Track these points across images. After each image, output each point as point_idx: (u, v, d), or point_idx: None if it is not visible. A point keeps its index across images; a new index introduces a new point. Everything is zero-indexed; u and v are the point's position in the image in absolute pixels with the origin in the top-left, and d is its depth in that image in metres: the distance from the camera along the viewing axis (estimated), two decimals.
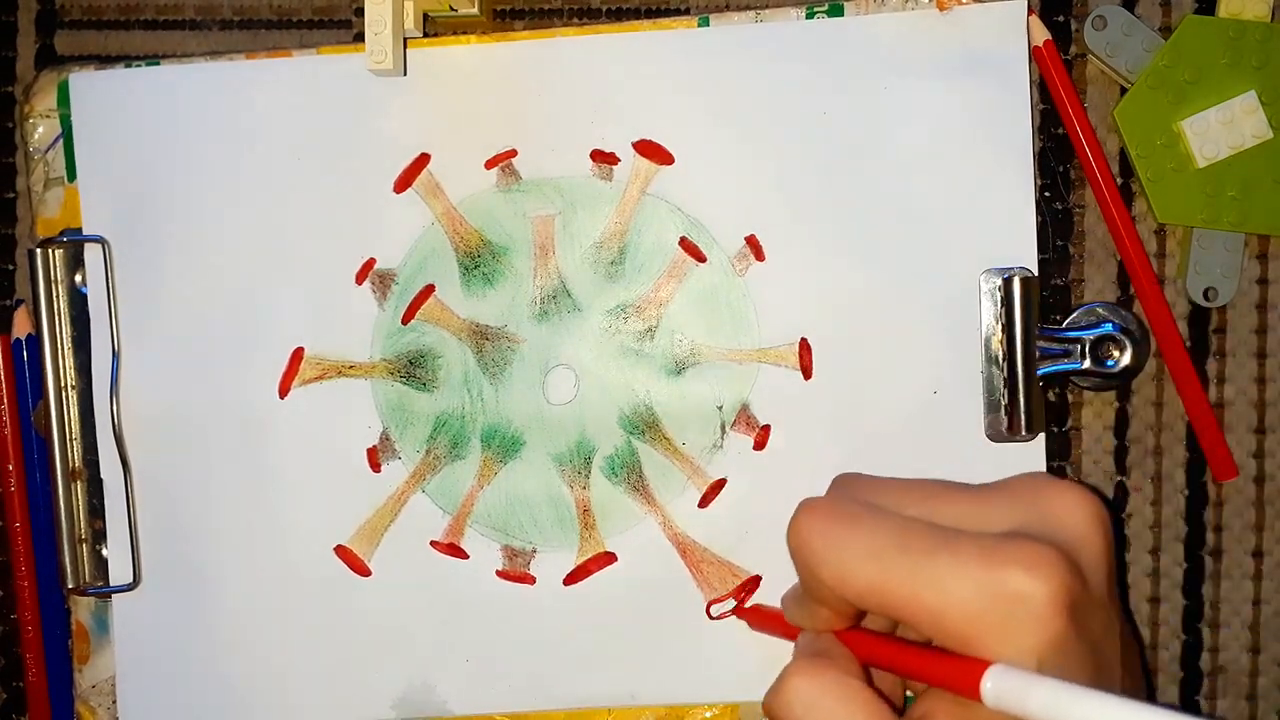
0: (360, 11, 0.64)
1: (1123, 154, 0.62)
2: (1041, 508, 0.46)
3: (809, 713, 0.46)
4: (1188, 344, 0.63)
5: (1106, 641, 0.45)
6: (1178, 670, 0.63)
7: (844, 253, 0.61)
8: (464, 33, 0.64)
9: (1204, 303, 0.62)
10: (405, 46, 0.62)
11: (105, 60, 0.64)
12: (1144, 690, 0.49)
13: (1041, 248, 0.61)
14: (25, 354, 0.65)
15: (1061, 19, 0.63)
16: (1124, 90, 0.62)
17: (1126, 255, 0.62)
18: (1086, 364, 0.61)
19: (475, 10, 0.62)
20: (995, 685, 0.42)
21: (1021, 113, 0.61)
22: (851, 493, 0.48)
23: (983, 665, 0.42)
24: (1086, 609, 0.44)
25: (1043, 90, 0.62)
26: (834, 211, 0.61)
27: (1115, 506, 0.63)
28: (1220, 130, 0.60)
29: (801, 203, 0.62)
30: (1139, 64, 0.61)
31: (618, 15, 0.65)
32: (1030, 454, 0.61)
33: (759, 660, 0.62)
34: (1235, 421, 0.63)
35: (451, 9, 0.62)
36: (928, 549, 0.44)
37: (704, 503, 0.63)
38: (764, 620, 0.58)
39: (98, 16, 0.66)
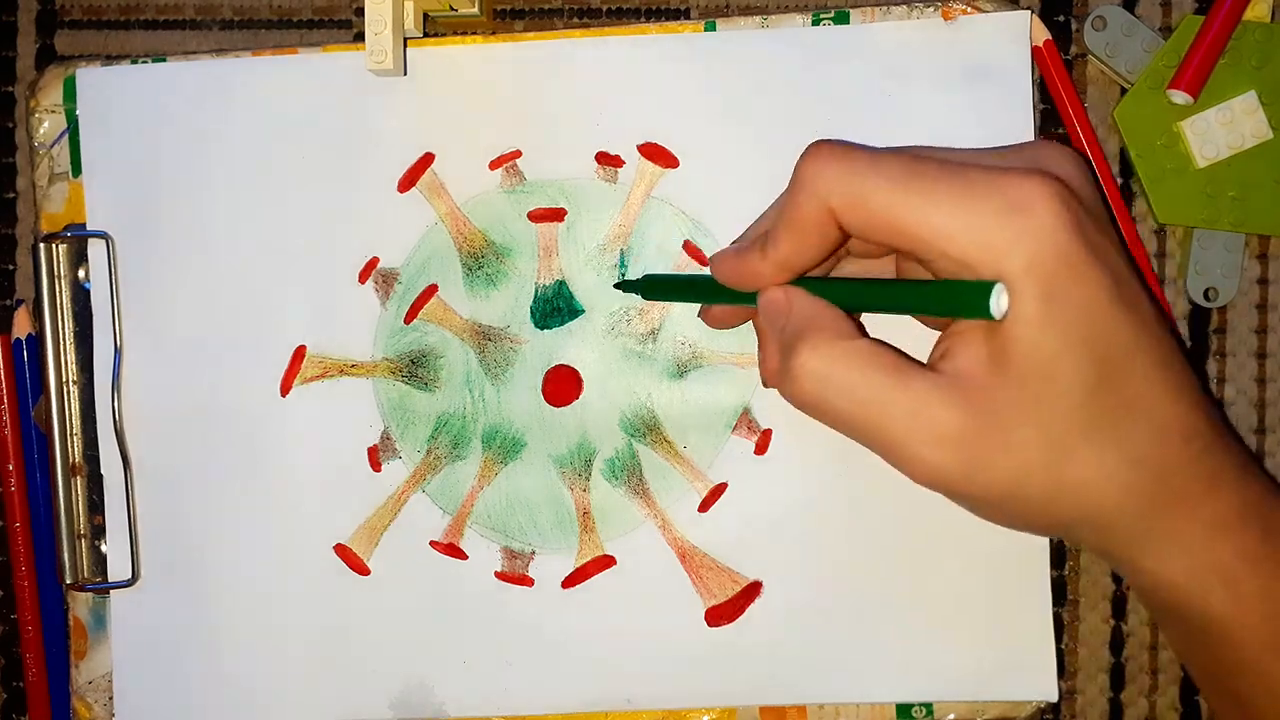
0: (360, 11, 0.65)
1: (1123, 154, 0.63)
2: (1025, 152, 0.50)
3: (826, 385, 0.48)
4: (1188, 344, 0.63)
5: (1125, 271, 0.48)
6: (1178, 670, 0.63)
7: None
8: (466, 33, 0.64)
9: (1204, 303, 0.62)
10: (405, 46, 0.62)
11: (106, 60, 0.64)
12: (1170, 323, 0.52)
13: None
14: (25, 354, 0.65)
15: (1061, 19, 0.63)
16: (1124, 90, 0.63)
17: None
18: None
19: (475, 10, 0.63)
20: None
21: (1024, 123, 0.61)
22: (846, 143, 0.50)
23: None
24: (1092, 231, 0.46)
25: (1043, 91, 0.62)
26: None
27: None
28: (1220, 130, 0.61)
29: None
30: (1139, 64, 0.61)
31: (618, 15, 0.65)
32: None
33: (756, 666, 0.62)
34: (1236, 422, 0.63)
35: (451, 9, 0.62)
36: (940, 175, 0.47)
37: (704, 507, 0.62)
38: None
39: (98, 16, 0.66)
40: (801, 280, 0.52)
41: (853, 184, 0.47)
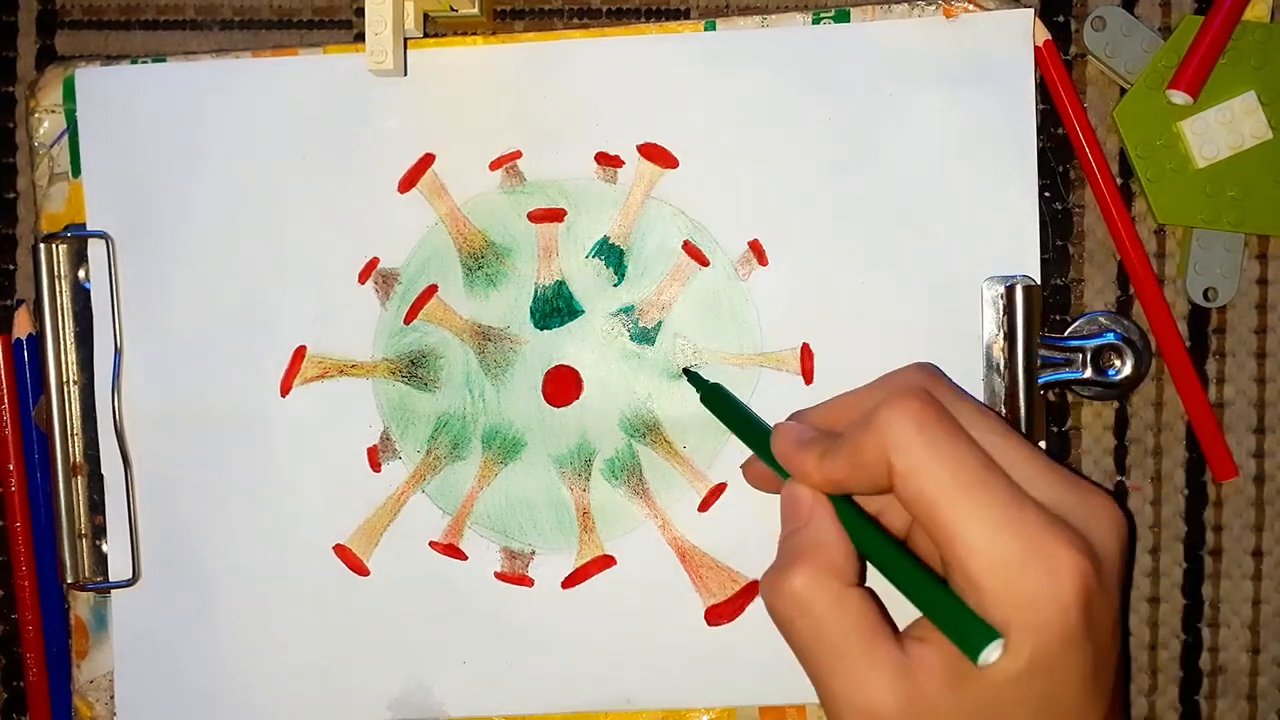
0: (360, 11, 0.64)
1: (1122, 154, 0.63)
2: (1083, 501, 0.49)
3: (802, 615, 0.49)
4: (1187, 344, 0.63)
5: (1108, 644, 0.48)
6: (1177, 670, 0.63)
7: (847, 258, 0.61)
8: (466, 33, 0.64)
9: (1204, 303, 0.62)
10: (406, 47, 0.62)
11: (106, 60, 0.64)
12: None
13: (1041, 248, 0.61)
14: (26, 354, 0.65)
15: (1061, 19, 0.63)
16: (1123, 90, 0.62)
17: (1126, 255, 0.62)
18: (1088, 373, 0.61)
19: (475, 10, 0.62)
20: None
21: (1027, 122, 0.61)
22: (940, 393, 0.50)
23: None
24: (1100, 608, 0.46)
25: (1043, 91, 0.62)
26: (837, 217, 0.61)
27: None
28: (1220, 130, 0.61)
29: (805, 208, 0.62)
30: (1138, 64, 0.61)
31: (618, 15, 0.65)
32: None
33: (756, 665, 0.62)
34: (1235, 421, 0.63)
35: (451, 9, 0.62)
36: (999, 499, 0.46)
37: (704, 507, 0.62)
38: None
39: (98, 16, 0.66)
40: (837, 498, 0.52)
41: (920, 459, 0.47)
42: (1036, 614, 0.45)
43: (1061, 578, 0.45)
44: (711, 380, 0.61)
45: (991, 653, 0.45)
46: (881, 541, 0.50)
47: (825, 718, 0.49)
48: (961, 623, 0.46)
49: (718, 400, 0.60)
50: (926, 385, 0.51)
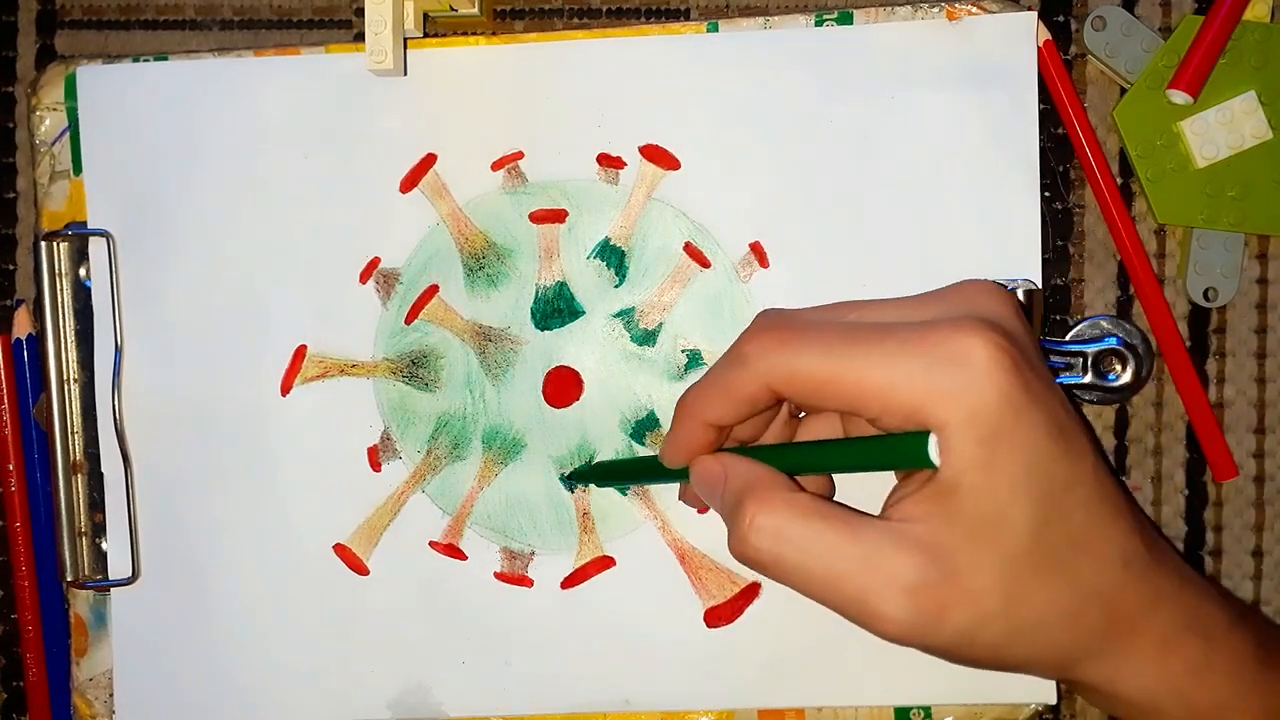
0: (360, 11, 0.64)
1: (1122, 154, 0.63)
2: (964, 299, 0.50)
3: (779, 543, 0.48)
4: (1188, 344, 0.63)
5: (1060, 408, 0.48)
6: None
7: (848, 261, 0.61)
8: (466, 33, 0.64)
9: (1204, 303, 0.62)
10: (406, 47, 0.62)
11: (107, 59, 0.64)
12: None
13: (1041, 248, 0.61)
14: (26, 354, 0.64)
15: (1061, 19, 0.63)
16: (1123, 90, 0.63)
17: (1126, 255, 0.62)
18: (1088, 378, 0.61)
19: (475, 10, 0.62)
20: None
21: (1029, 125, 0.61)
22: (786, 317, 0.52)
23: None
24: (1028, 372, 0.47)
25: (1043, 90, 0.62)
26: (839, 219, 0.61)
27: None
28: (1220, 130, 0.61)
29: (807, 210, 0.62)
30: (1138, 64, 0.61)
31: (618, 15, 0.65)
32: None
33: (755, 667, 0.62)
34: (1235, 421, 0.63)
35: (451, 9, 0.62)
36: (872, 338, 0.47)
37: (704, 509, 0.62)
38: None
39: (98, 16, 0.66)
40: (739, 450, 0.53)
41: (790, 362, 0.49)
42: (967, 398, 0.45)
43: (967, 359, 0.46)
44: (585, 469, 0.63)
45: (933, 448, 0.45)
46: (791, 449, 0.52)
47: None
48: (897, 447, 0.47)
49: (602, 472, 0.62)
50: (758, 320, 0.52)
